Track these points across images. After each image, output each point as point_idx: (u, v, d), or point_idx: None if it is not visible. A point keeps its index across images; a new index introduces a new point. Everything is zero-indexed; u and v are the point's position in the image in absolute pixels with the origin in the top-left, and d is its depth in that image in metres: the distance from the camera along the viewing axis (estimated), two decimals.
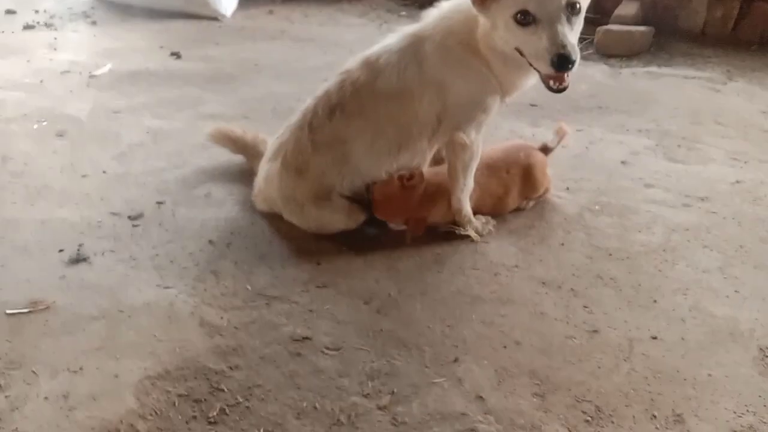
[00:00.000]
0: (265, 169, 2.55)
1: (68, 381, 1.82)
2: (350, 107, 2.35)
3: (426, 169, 2.50)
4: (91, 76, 4.20)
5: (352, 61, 2.42)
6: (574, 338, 2.00)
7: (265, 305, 2.12)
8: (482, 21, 2.17)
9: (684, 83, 4.20)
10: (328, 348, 1.95)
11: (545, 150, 2.71)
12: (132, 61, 4.50)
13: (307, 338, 1.98)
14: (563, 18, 1.99)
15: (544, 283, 2.25)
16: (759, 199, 2.79)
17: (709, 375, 1.88)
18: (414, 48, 2.31)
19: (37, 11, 5.79)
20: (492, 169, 2.55)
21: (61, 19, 5.59)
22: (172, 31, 5.28)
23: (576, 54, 1.98)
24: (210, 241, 2.45)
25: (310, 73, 4.24)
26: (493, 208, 2.60)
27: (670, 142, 3.35)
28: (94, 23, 5.50)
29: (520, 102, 3.72)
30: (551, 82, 2.10)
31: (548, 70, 2.00)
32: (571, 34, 2.01)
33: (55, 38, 5.05)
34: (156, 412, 1.73)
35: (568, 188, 2.86)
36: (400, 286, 2.23)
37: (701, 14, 5.04)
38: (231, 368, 1.87)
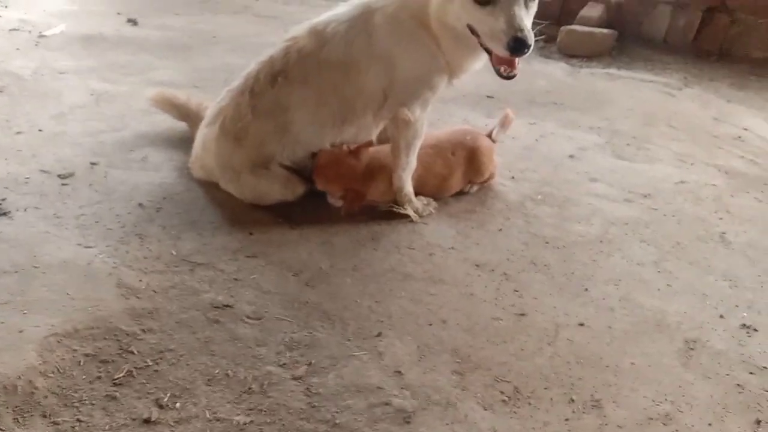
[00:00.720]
0: (202, 134, 2.48)
1: None
2: (294, 75, 2.29)
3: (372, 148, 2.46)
4: (41, 36, 4.05)
5: (298, 28, 2.36)
6: (501, 320, 1.98)
7: (189, 271, 2.05)
8: None
9: (641, 86, 4.23)
10: (248, 317, 1.89)
11: (491, 137, 2.69)
12: (86, 25, 4.35)
13: (228, 306, 1.92)
14: (521, 1, 1.97)
15: (477, 265, 2.22)
16: (700, 200, 2.81)
17: (632, 363, 1.87)
18: (364, 18, 2.26)
19: None
20: (437, 149, 2.53)
21: None
22: None
23: (531, 39, 1.95)
24: (140, 205, 2.37)
25: (268, 48, 4.15)
26: (435, 189, 2.57)
27: (620, 140, 3.36)
28: None
29: (476, 93, 3.73)
30: (502, 68, 2.06)
31: (503, 52, 1.97)
32: (527, 18, 1.99)
33: None
34: (58, 370, 1.65)
35: (513, 177, 2.85)
36: (332, 260, 2.18)
37: (664, 22, 5.08)
38: (144, 331, 1.80)
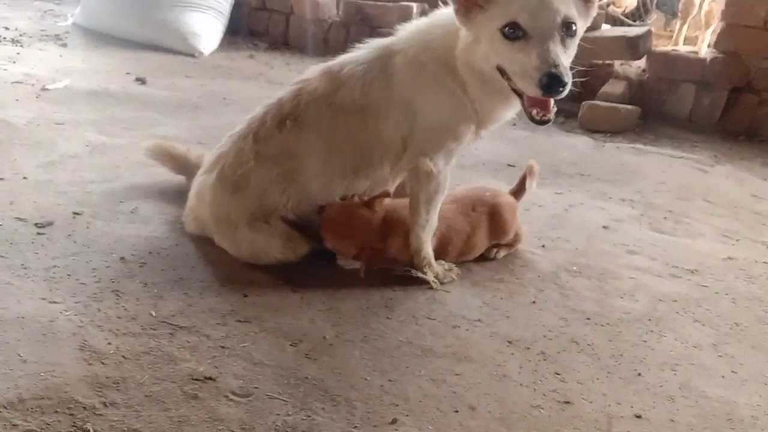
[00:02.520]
0: (198, 182, 2.22)
1: None
2: (304, 119, 2.05)
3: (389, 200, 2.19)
4: (44, 89, 3.89)
5: (311, 70, 2.14)
6: (541, 408, 1.63)
7: (168, 335, 1.73)
8: (463, 35, 1.91)
9: (670, 161, 3.99)
10: (234, 393, 1.56)
11: (515, 194, 2.43)
12: (92, 81, 4.20)
13: (210, 378, 1.59)
14: (557, 37, 1.75)
15: (509, 342, 1.89)
16: (753, 278, 2.49)
17: None
18: (383, 61, 2.04)
19: (7, 28, 5.53)
20: (458, 204, 2.26)
21: (31, 38, 5.32)
22: (143, 60, 5.03)
23: (568, 77, 1.71)
24: (121, 258, 2.07)
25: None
26: (458, 249, 2.28)
27: (656, 213, 3.08)
28: (64, 45, 5.24)
29: (496, 160, 3.50)
30: (534, 111, 1.82)
31: (535, 91, 1.73)
32: (564, 56, 1.76)
33: (18, 53, 4.76)
34: None
35: (543, 246, 2.55)
36: (338, 329, 1.86)
37: (689, 101, 4.91)
38: (105, 404, 1.46)
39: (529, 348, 1.87)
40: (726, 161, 4.13)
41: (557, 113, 1.87)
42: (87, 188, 2.57)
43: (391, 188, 2.22)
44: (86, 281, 1.92)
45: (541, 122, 1.84)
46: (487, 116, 2.06)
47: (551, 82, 1.67)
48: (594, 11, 1.90)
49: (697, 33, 6.42)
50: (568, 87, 1.71)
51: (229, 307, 1.88)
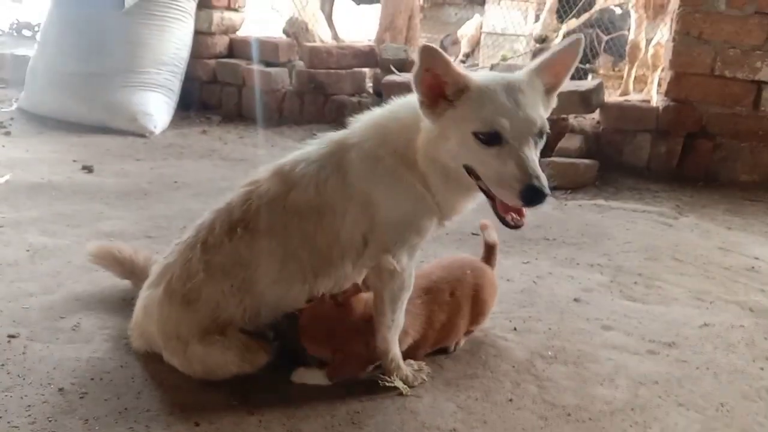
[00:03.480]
0: (144, 296, 2.06)
1: None
2: (255, 224, 1.92)
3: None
4: None
5: (261, 170, 2.03)
6: None
7: None
8: (426, 127, 1.81)
9: (634, 217, 3.96)
10: None
11: (489, 260, 2.33)
12: (35, 173, 4.03)
13: None
14: (531, 142, 1.68)
15: None
16: (732, 346, 2.41)
17: None
18: (337, 157, 1.94)
19: None
20: (432, 293, 2.12)
21: None
22: (91, 145, 4.88)
23: (548, 188, 1.63)
24: (60, 390, 1.89)
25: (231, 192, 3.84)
26: (433, 341, 2.15)
27: (626, 278, 3.01)
28: (8, 134, 5.06)
29: (459, 230, 3.40)
30: (509, 217, 1.73)
31: (515, 202, 1.66)
32: (536, 161, 1.68)
33: None
34: None
35: (515, 329, 2.43)
36: None
37: (645, 150, 4.94)
38: None
39: None
40: (689, 211, 4.12)
41: None
42: (26, 302, 2.38)
43: (358, 281, 2.08)
44: (19, 423, 1.73)
45: (516, 227, 1.75)
46: (450, 209, 1.97)
47: (533, 195, 1.61)
48: (554, 104, 1.84)
49: (645, 72, 6.57)
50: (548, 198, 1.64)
51: None
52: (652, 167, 4.92)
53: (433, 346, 2.18)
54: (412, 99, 1.80)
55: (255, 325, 1.98)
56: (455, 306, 2.15)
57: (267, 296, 1.95)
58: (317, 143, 2.01)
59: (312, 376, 1.97)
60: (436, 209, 1.92)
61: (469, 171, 1.74)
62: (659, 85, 5.84)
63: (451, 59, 1.73)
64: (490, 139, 1.65)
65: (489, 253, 2.36)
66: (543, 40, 7.70)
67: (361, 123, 1.98)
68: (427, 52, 1.67)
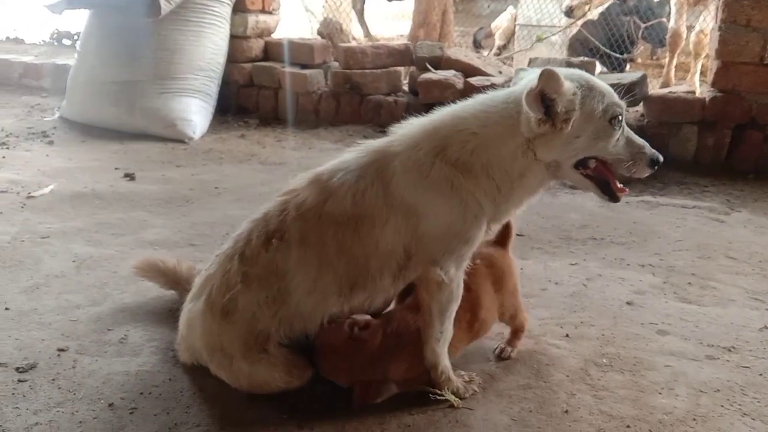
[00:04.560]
0: (187, 309, 2.05)
1: None
2: (291, 234, 1.89)
3: (389, 313, 2.01)
4: (29, 197, 3.76)
5: (298, 179, 1.99)
6: None
7: None
8: (538, 138, 1.79)
9: (683, 213, 3.83)
10: None
11: (503, 241, 2.25)
12: (79, 182, 4.08)
13: None
14: None
15: None
16: None
17: None
18: (378, 165, 1.89)
19: None
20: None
21: (17, 137, 5.23)
22: (132, 152, 4.93)
23: None
24: (110, 405, 1.89)
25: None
26: (467, 343, 2.11)
27: (679, 279, 2.90)
28: (51, 143, 5.14)
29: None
30: (622, 193, 1.92)
31: (646, 171, 1.88)
32: None
33: (3, 157, 4.66)
34: None
35: (567, 335, 2.36)
36: None
37: (692, 142, 4.78)
38: None
39: None
40: (740, 206, 3.98)
41: None
42: (73, 315, 2.40)
43: (394, 295, 2.03)
44: None
45: (619, 200, 1.93)
46: (512, 210, 1.97)
47: (658, 161, 1.87)
48: None
49: (686, 60, 6.37)
50: None
51: None
52: (699, 160, 4.76)
53: (465, 345, 2.13)
54: (482, 111, 1.87)
55: (290, 338, 1.94)
56: (475, 301, 2.08)
57: (301, 307, 1.91)
58: (357, 151, 1.96)
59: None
60: (491, 214, 1.87)
61: (580, 163, 1.84)
62: (702, 74, 5.66)
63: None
64: (618, 123, 1.81)
65: (504, 233, 2.26)
66: (570, 11, 7.46)
67: (405, 132, 1.93)
68: (548, 77, 1.72)
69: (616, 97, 1.83)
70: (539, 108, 1.74)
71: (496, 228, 1.99)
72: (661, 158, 1.87)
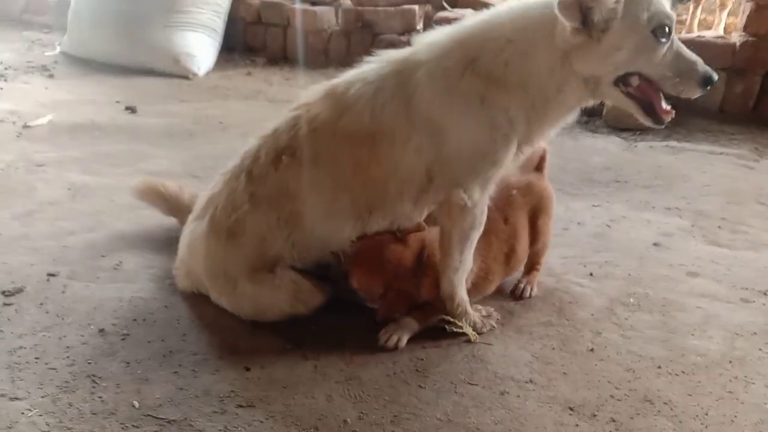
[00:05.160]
0: (188, 230, 1.90)
1: None
2: (303, 152, 1.72)
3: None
4: (25, 127, 3.59)
5: (311, 91, 1.82)
6: None
7: None
8: (575, 48, 1.60)
9: (711, 159, 3.63)
10: None
11: (538, 167, 2.11)
12: (78, 114, 3.90)
13: None
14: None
15: (571, 408, 1.55)
16: None
17: None
18: (401, 77, 1.70)
19: None
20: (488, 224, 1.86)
21: (16, 71, 5.03)
22: (134, 87, 4.73)
23: None
24: (100, 331, 1.76)
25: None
26: (503, 277, 2.00)
27: (708, 223, 2.73)
28: (51, 76, 4.95)
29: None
30: (667, 116, 1.69)
31: (695, 90, 1.64)
32: None
33: (1, 88, 4.48)
34: None
35: (591, 274, 2.21)
36: (362, 406, 1.53)
37: (719, 90, 4.53)
38: None
39: (595, 415, 1.53)
40: None
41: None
42: (65, 242, 2.26)
43: (417, 220, 1.87)
44: (57, 365, 1.61)
45: (664, 123, 1.73)
46: (546, 129, 1.77)
47: (711, 78, 1.62)
48: None
49: (709, 16, 6.07)
50: None
51: (227, 387, 1.56)
52: (726, 108, 4.53)
53: (501, 280, 2.00)
54: (519, 16, 1.66)
55: (305, 264, 1.81)
56: (513, 233, 1.95)
57: (317, 232, 1.77)
58: (376, 61, 1.77)
59: (406, 327, 1.78)
60: (522, 134, 1.69)
61: (620, 80, 1.63)
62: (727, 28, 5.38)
63: None
64: (665, 35, 1.58)
65: (539, 158, 2.11)
66: None
67: (433, 40, 1.74)
68: None
69: (664, 5, 1.61)
70: (575, 16, 1.54)
71: (528, 151, 1.81)
72: (716, 76, 1.63)
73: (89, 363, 1.62)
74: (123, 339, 1.73)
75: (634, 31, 1.58)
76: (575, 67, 1.63)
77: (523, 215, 1.98)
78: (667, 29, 1.59)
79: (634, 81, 1.63)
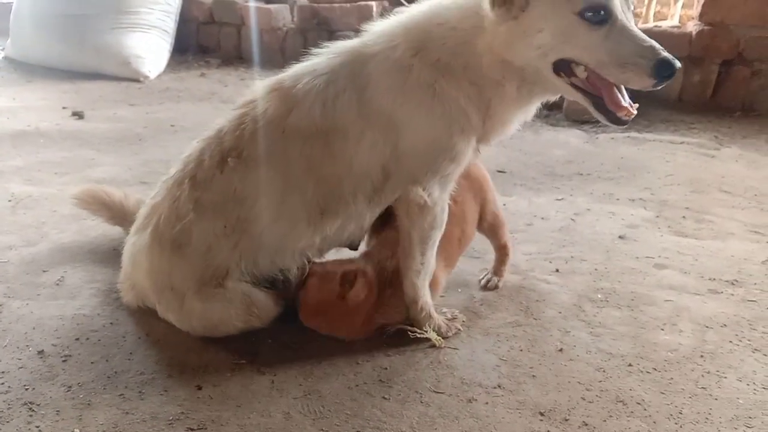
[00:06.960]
0: (131, 243, 1.78)
1: None
2: (250, 152, 1.62)
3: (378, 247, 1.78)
4: None
5: (258, 88, 1.71)
6: None
7: None
8: (498, 27, 1.49)
9: (672, 149, 3.63)
10: None
11: None
12: (21, 121, 3.73)
13: None
14: (630, 14, 1.45)
15: (542, 414, 1.48)
16: None
17: None
18: (351, 68, 1.61)
19: None
20: None
21: None
22: (82, 92, 4.56)
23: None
24: (40, 353, 1.63)
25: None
26: (459, 252, 1.94)
27: (673, 213, 2.71)
28: None
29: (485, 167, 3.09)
30: (623, 113, 1.50)
31: (646, 82, 1.41)
32: None
33: None
34: None
35: (557, 270, 2.15)
36: (322, 423, 1.44)
37: (677, 79, 4.56)
38: None
39: (567, 419, 1.47)
40: (729, 142, 3.79)
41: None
42: (3, 257, 2.12)
43: (369, 222, 1.77)
44: None
45: (624, 123, 1.53)
46: (499, 127, 1.66)
47: (668, 68, 1.39)
48: None
49: (664, 8, 6.11)
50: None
51: (177, 408, 1.45)
52: (684, 98, 4.57)
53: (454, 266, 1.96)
54: (464, 1, 1.55)
55: (254, 276, 1.69)
56: (462, 215, 1.88)
57: (266, 238, 1.65)
58: (325, 53, 1.68)
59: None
60: (479, 129, 1.61)
61: (561, 69, 1.47)
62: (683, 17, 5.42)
63: None
64: (599, 17, 1.41)
65: None
66: None
67: (382, 29, 1.65)
68: None
69: None
70: None
71: (484, 149, 1.73)
72: (677, 64, 1.39)
73: (26, 389, 1.49)
74: (64, 361, 1.60)
75: (554, 11, 1.45)
76: (499, 51, 1.51)
77: (469, 196, 1.91)
78: (602, 12, 1.42)
79: (580, 71, 1.48)
